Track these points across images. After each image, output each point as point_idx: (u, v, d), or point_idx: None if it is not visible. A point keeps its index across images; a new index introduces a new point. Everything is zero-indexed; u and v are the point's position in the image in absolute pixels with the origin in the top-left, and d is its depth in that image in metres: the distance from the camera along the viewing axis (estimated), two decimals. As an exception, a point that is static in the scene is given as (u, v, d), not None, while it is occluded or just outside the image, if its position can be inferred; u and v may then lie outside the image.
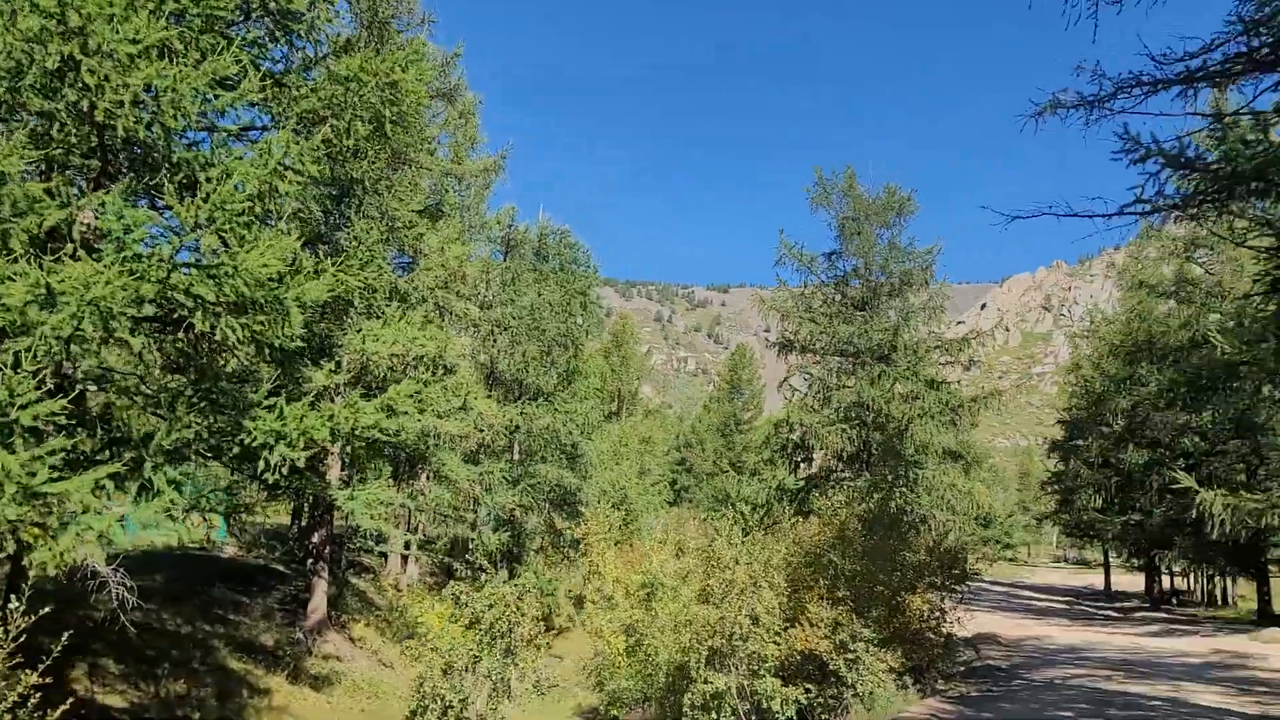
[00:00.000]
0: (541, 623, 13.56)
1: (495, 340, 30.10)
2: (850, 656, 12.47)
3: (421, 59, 11.53)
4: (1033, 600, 35.66)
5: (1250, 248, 10.09)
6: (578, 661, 16.40)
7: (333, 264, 10.04)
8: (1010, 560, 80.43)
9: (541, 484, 30.41)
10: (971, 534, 50.96)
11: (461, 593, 12.17)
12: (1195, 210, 10.74)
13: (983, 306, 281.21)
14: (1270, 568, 26.78)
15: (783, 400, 31.13)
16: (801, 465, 29.28)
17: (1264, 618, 25.11)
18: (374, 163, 16.28)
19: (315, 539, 19.39)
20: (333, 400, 14.88)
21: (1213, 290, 27.18)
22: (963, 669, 16.31)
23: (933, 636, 14.21)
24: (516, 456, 31.44)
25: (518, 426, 29.44)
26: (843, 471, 28.73)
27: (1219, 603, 36.33)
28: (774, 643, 12.24)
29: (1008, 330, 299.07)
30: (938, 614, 14.57)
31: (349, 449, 11.17)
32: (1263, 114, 10.09)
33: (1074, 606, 33.86)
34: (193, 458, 9.42)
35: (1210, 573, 35.55)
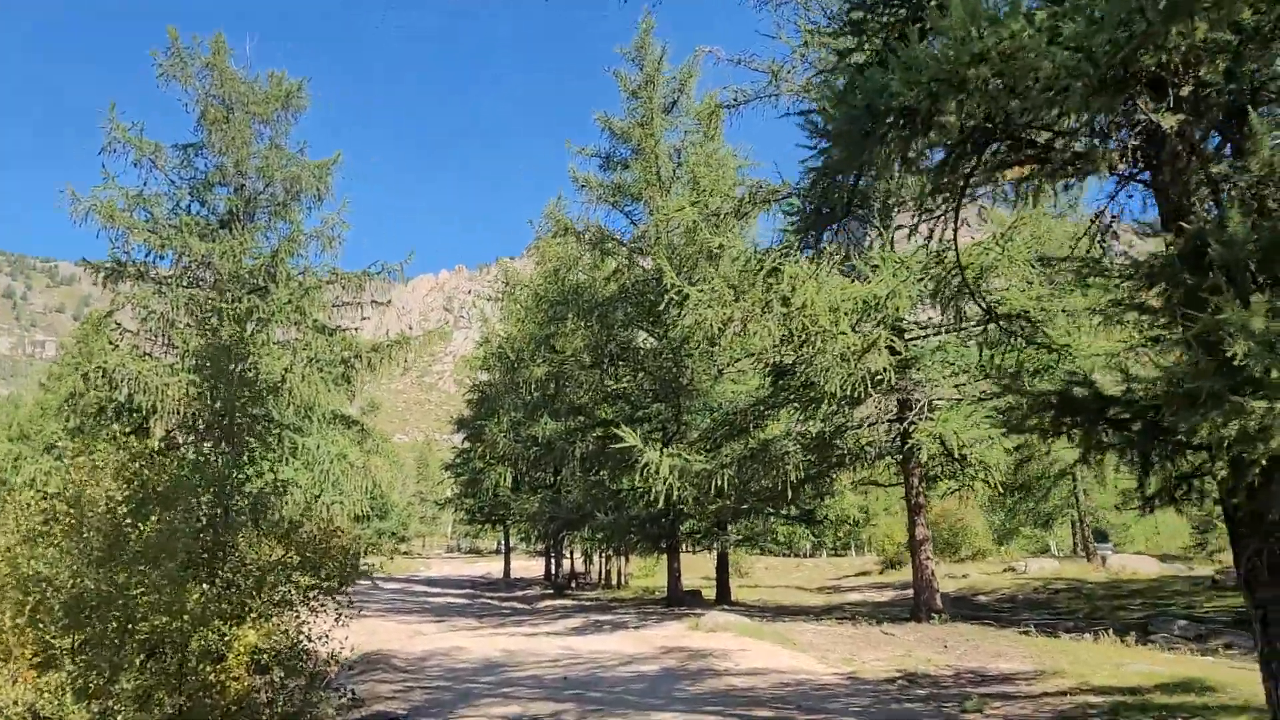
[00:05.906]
0: None
1: None
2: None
3: None
4: (430, 597, 31.02)
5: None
6: None
7: None
8: (405, 554, 77.11)
9: None
10: (368, 521, 45.51)
11: None
12: None
13: (388, 302, 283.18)
14: (682, 545, 25.21)
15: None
16: (133, 436, 20.76)
17: (673, 598, 23.16)
18: None
19: None
20: None
21: (635, 246, 25.00)
22: (338, 729, 9.92)
23: (268, 696, 7.58)
24: None
25: None
26: (197, 442, 21.39)
27: (614, 584, 35.44)
28: None
29: (411, 328, 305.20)
30: (289, 649, 7.98)
31: None
32: None
33: (476, 600, 29.93)
34: None
35: (607, 553, 34.32)
